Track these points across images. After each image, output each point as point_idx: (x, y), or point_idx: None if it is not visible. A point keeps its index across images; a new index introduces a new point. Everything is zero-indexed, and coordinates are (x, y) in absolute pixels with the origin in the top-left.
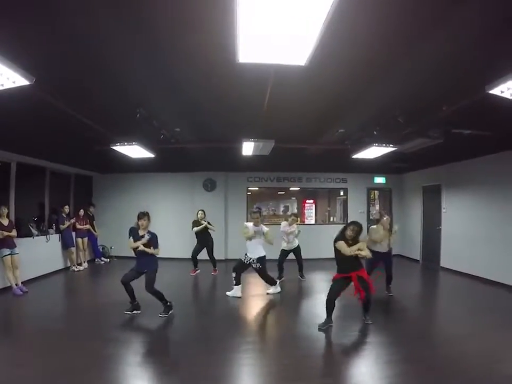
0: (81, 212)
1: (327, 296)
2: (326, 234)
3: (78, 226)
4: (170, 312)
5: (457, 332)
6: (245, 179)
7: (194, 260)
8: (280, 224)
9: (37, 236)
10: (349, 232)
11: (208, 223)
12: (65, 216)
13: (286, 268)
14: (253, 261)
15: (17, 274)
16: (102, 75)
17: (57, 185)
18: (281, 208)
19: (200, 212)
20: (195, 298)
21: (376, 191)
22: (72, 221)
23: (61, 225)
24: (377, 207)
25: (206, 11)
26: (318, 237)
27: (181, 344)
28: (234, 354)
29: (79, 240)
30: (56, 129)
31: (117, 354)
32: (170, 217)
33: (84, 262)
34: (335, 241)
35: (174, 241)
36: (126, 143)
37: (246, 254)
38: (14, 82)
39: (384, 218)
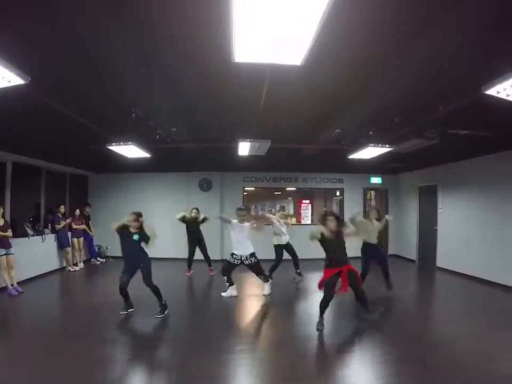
0: (77, 212)
1: (325, 297)
2: None
3: (74, 226)
4: (166, 311)
5: (453, 332)
6: (241, 179)
7: (190, 261)
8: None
9: (33, 236)
10: (331, 224)
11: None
12: (60, 216)
13: (282, 268)
14: (246, 257)
15: (12, 275)
16: (98, 74)
17: (53, 185)
18: (278, 208)
19: (194, 210)
20: (191, 299)
21: (372, 191)
22: (68, 221)
23: (57, 225)
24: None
25: (201, 11)
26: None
27: (177, 345)
28: (231, 354)
29: (75, 240)
30: (51, 128)
31: (113, 354)
32: (166, 217)
33: (80, 262)
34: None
35: (169, 241)
36: (121, 143)
37: (233, 254)
38: (9, 81)
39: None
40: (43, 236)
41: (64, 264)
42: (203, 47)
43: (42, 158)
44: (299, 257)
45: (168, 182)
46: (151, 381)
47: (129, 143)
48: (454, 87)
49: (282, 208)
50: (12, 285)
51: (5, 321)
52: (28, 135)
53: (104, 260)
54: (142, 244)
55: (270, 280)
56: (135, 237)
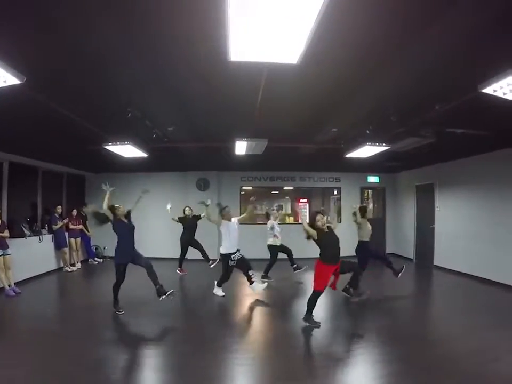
0: (74, 212)
1: (318, 294)
2: None
3: (71, 226)
4: (168, 292)
5: (451, 331)
6: (238, 178)
7: (183, 260)
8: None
9: (30, 236)
10: (319, 223)
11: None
12: (58, 217)
13: (277, 267)
14: (238, 254)
15: (9, 275)
16: (94, 74)
17: (50, 185)
18: (275, 208)
19: (187, 208)
20: (188, 298)
21: (369, 190)
22: (65, 221)
23: (54, 226)
24: (370, 205)
25: (197, 10)
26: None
27: (174, 345)
28: (228, 354)
29: (72, 240)
30: (48, 128)
31: (111, 355)
32: (163, 217)
33: (77, 262)
34: (316, 239)
35: (167, 241)
36: (118, 143)
37: (231, 255)
38: (5, 81)
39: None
40: (40, 236)
41: (62, 265)
42: (199, 45)
43: (39, 158)
44: (296, 256)
45: (165, 182)
46: (148, 381)
47: (126, 142)
48: (450, 86)
49: (280, 207)
50: (9, 286)
51: (2, 322)
52: (24, 135)
53: (102, 260)
54: None
55: (267, 280)
56: (131, 225)
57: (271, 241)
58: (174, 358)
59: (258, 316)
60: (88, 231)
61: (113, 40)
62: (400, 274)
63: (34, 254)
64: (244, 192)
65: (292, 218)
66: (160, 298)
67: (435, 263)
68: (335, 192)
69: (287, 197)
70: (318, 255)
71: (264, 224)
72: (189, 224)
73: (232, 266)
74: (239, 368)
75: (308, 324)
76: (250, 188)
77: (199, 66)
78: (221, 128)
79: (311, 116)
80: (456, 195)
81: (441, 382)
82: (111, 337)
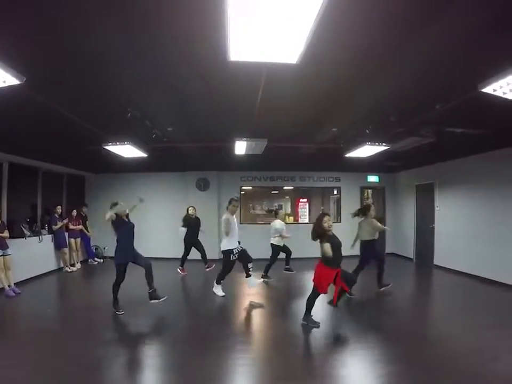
0: (74, 212)
1: (317, 294)
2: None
3: (71, 226)
4: (161, 298)
5: (451, 330)
6: (238, 178)
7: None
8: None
9: (30, 236)
10: (326, 225)
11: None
12: (57, 217)
13: (276, 267)
14: (239, 247)
15: (9, 276)
16: (93, 74)
17: (49, 185)
18: (275, 207)
19: (191, 207)
20: (188, 298)
21: (369, 190)
22: (65, 221)
23: (54, 226)
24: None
25: (197, 9)
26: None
27: (173, 344)
28: (228, 354)
29: (72, 240)
30: (48, 129)
31: (111, 355)
32: (164, 217)
33: (77, 262)
34: (324, 242)
35: (168, 241)
36: (118, 143)
37: (233, 250)
38: (4, 81)
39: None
40: (40, 236)
41: (62, 265)
42: (199, 45)
43: (39, 158)
44: (296, 256)
45: (165, 182)
46: (148, 381)
47: (126, 142)
48: (450, 86)
49: (280, 207)
50: (9, 286)
51: (2, 323)
52: (24, 136)
53: (102, 260)
54: None
55: (267, 280)
56: (131, 224)
57: (275, 240)
58: (174, 358)
59: (259, 315)
60: (88, 231)
61: (113, 40)
62: (383, 288)
63: (34, 254)
64: (244, 192)
65: (291, 218)
66: (151, 301)
67: (435, 262)
68: (335, 192)
69: (287, 197)
70: (321, 258)
71: (263, 224)
72: (193, 224)
73: (234, 261)
74: (239, 368)
75: (306, 324)
76: (250, 187)
77: (199, 66)
78: (221, 128)
79: (310, 115)
80: (456, 194)
81: (440, 381)
82: (111, 337)
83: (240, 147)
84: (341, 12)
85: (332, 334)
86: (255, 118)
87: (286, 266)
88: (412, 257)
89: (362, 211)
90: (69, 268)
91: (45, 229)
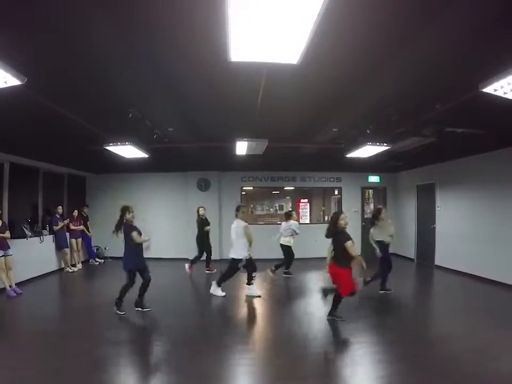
0: (75, 213)
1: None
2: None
3: (72, 227)
4: (145, 309)
5: (451, 330)
6: (239, 178)
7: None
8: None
9: (31, 237)
10: (343, 222)
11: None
12: (58, 217)
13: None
14: (247, 255)
15: (10, 276)
16: (95, 75)
17: (50, 185)
18: (276, 208)
19: (201, 208)
20: (188, 298)
21: (370, 190)
22: (66, 221)
23: (55, 226)
24: (371, 205)
25: (197, 10)
26: (312, 236)
27: (174, 344)
28: (229, 354)
29: (73, 241)
30: (49, 129)
31: (111, 355)
32: (164, 217)
33: (78, 263)
34: (347, 239)
35: (168, 242)
36: (119, 143)
37: (241, 261)
38: (5, 82)
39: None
40: (41, 236)
41: (63, 265)
42: (199, 46)
43: (40, 158)
44: (297, 256)
45: (166, 182)
46: (149, 381)
47: (127, 143)
48: (450, 86)
49: (280, 208)
50: (10, 286)
51: (4, 323)
52: (25, 136)
53: (103, 260)
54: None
55: (290, 276)
56: (137, 229)
57: (285, 240)
58: (175, 358)
59: (259, 315)
60: (89, 231)
61: (114, 41)
62: (382, 292)
63: (35, 255)
64: (244, 193)
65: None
66: (136, 308)
67: (436, 262)
68: (336, 192)
69: (288, 197)
70: (342, 263)
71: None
72: (204, 224)
73: (251, 259)
74: (239, 368)
75: (335, 319)
76: (251, 188)
77: (199, 67)
78: (222, 129)
79: (311, 115)
80: (457, 195)
81: (441, 381)
82: (112, 338)
83: (241, 147)
84: (342, 12)
85: (332, 334)
86: (256, 118)
87: (276, 265)
88: (413, 258)
89: (375, 216)
90: (70, 268)
91: (46, 229)
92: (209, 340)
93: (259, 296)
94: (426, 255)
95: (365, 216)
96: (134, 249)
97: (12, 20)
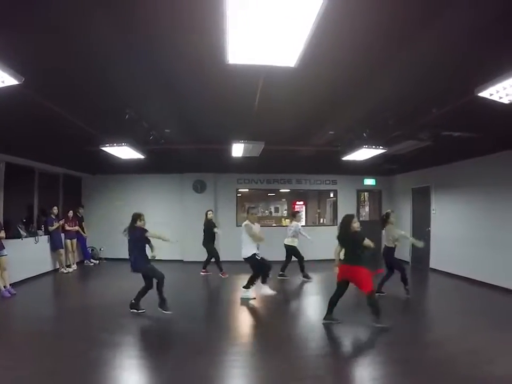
0: (70, 213)
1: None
2: (317, 236)
3: (67, 227)
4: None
5: (446, 333)
6: (235, 180)
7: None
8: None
9: (26, 237)
10: (356, 225)
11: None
12: (54, 218)
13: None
14: (258, 254)
15: (5, 276)
16: (92, 76)
17: (46, 186)
18: (272, 210)
19: (209, 211)
20: (189, 300)
21: (366, 193)
22: (61, 222)
23: (50, 227)
24: (367, 208)
25: (196, 13)
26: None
27: (173, 346)
28: (229, 356)
29: (68, 241)
30: (45, 129)
31: (105, 356)
32: (160, 219)
33: (73, 263)
34: (363, 239)
35: (163, 243)
36: (115, 144)
37: (256, 254)
38: (3, 82)
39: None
40: (36, 237)
41: (57, 266)
42: (197, 48)
43: (35, 158)
44: (293, 259)
45: (162, 184)
46: (146, 383)
47: (123, 144)
48: (447, 90)
49: (276, 210)
50: (4, 287)
51: None
52: (21, 136)
53: (98, 261)
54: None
55: (306, 280)
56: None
57: (289, 241)
58: (172, 360)
59: (259, 316)
60: (84, 232)
61: (112, 41)
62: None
63: (30, 255)
64: (240, 195)
65: (287, 221)
66: (131, 310)
67: (431, 266)
68: (332, 195)
69: (284, 199)
70: (358, 262)
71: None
72: (210, 227)
73: (262, 259)
74: (238, 370)
75: (380, 326)
76: (247, 190)
77: (197, 69)
78: (218, 131)
79: (308, 118)
80: (452, 198)
81: (436, 383)
82: (107, 339)
83: (237, 150)
84: (339, 14)
85: (331, 336)
86: (252, 120)
87: (280, 272)
88: (408, 261)
89: (384, 220)
90: (65, 269)
91: (41, 229)
92: (208, 341)
93: (254, 299)
94: (421, 258)
95: (360, 218)
96: (143, 252)
97: (11, 20)
